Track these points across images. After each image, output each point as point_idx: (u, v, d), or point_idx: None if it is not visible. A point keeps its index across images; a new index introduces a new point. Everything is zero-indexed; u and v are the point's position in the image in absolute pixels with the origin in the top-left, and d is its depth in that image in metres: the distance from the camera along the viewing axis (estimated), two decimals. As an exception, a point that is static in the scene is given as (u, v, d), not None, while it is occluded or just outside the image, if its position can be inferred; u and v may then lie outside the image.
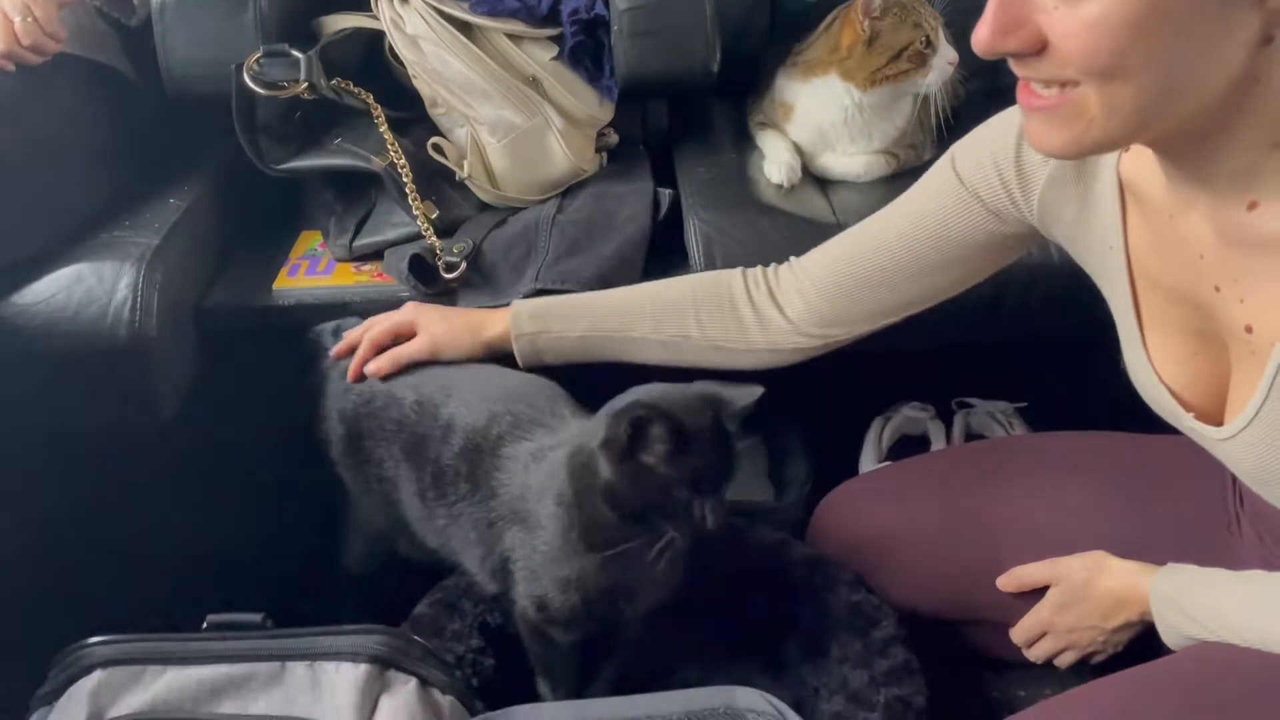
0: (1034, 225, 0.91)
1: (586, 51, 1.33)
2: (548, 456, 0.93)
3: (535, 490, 0.92)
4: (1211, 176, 0.73)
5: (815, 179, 1.34)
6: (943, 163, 0.95)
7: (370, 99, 1.27)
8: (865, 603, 1.03)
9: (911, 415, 1.40)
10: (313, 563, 1.17)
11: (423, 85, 1.27)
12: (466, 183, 1.27)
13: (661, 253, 1.25)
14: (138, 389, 1.12)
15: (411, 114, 1.31)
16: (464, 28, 1.26)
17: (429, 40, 1.24)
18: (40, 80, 1.19)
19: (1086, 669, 0.98)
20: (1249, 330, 0.75)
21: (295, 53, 1.22)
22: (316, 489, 1.15)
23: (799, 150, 1.34)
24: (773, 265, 1.07)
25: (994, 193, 0.91)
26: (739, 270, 1.06)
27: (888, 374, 1.36)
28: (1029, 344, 1.23)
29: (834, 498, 1.15)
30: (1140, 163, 0.80)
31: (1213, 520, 0.97)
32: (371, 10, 1.28)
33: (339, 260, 1.28)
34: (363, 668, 0.76)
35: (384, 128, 1.25)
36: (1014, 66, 0.70)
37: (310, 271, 1.27)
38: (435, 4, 1.25)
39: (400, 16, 1.25)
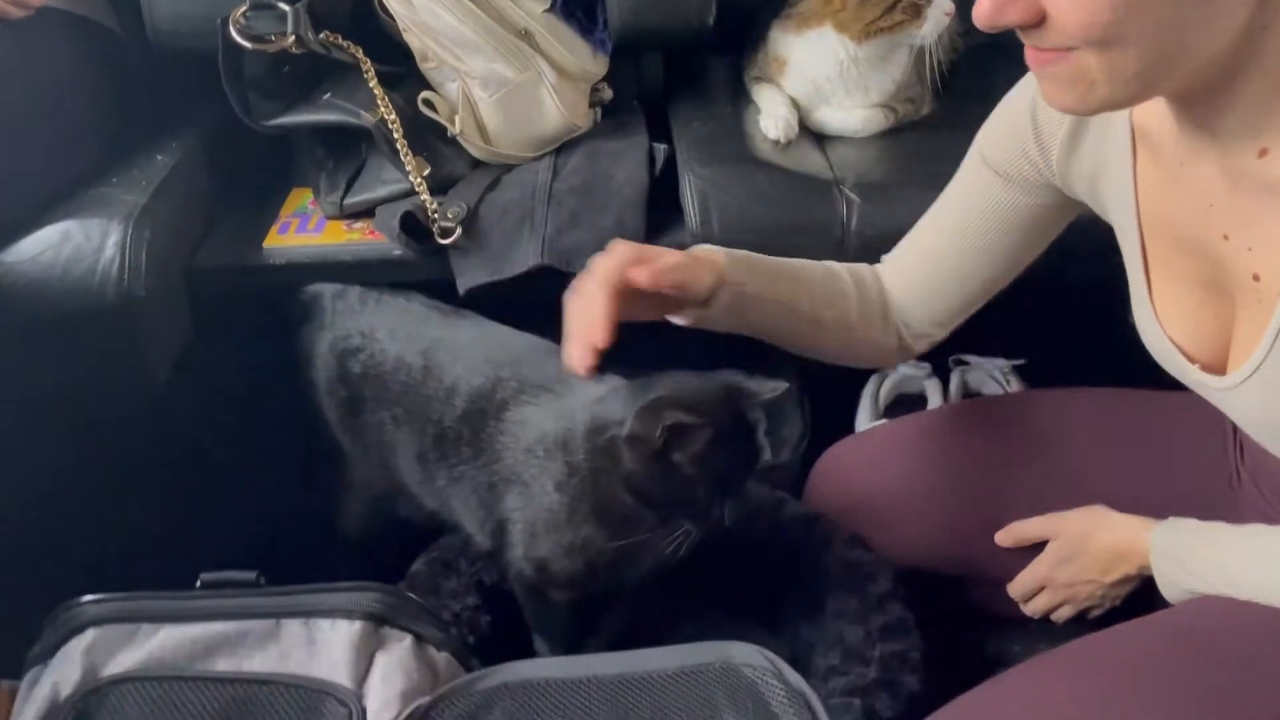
0: (1060, 188, 0.91)
1: (579, 4, 1.31)
2: (556, 424, 0.92)
3: (542, 456, 0.92)
4: (1222, 125, 0.73)
5: (812, 134, 1.33)
6: (972, 158, 0.95)
7: (359, 53, 1.25)
8: (861, 560, 1.03)
9: (908, 373, 1.39)
10: (309, 525, 1.17)
11: (413, 39, 1.24)
12: (458, 139, 1.25)
13: (657, 211, 1.24)
14: (129, 349, 1.11)
15: (402, 68, 1.28)
16: (454, -21, 1.24)
17: (419, -8, 1.22)
18: (24, 35, 1.16)
19: (1083, 624, 0.98)
20: (1256, 278, 0.75)
21: (282, 5, 1.20)
22: (312, 451, 1.14)
23: (795, 105, 1.32)
24: (877, 268, 1.03)
25: (1018, 164, 0.91)
26: (873, 272, 1.02)
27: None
28: (1026, 301, 1.22)
29: (830, 456, 1.15)
30: (1153, 111, 0.79)
31: (1213, 474, 0.96)
32: (360, -38, 1.26)
33: (330, 218, 1.26)
34: (358, 625, 0.76)
35: (374, 82, 1.23)
36: (1020, 35, 0.70)
37: (301, 230, 1.25)
38: (425, -45, 1.23)
39: (389, -32, 1.23)
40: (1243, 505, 0.93)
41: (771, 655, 0.71)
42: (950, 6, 1.25)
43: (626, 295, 0.84)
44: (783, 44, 1.32)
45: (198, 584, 0.78)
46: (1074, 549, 0.95)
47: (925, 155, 1.26)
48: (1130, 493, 0.95)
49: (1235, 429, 0.94)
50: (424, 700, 0.72)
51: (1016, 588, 1.01)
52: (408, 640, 0.77)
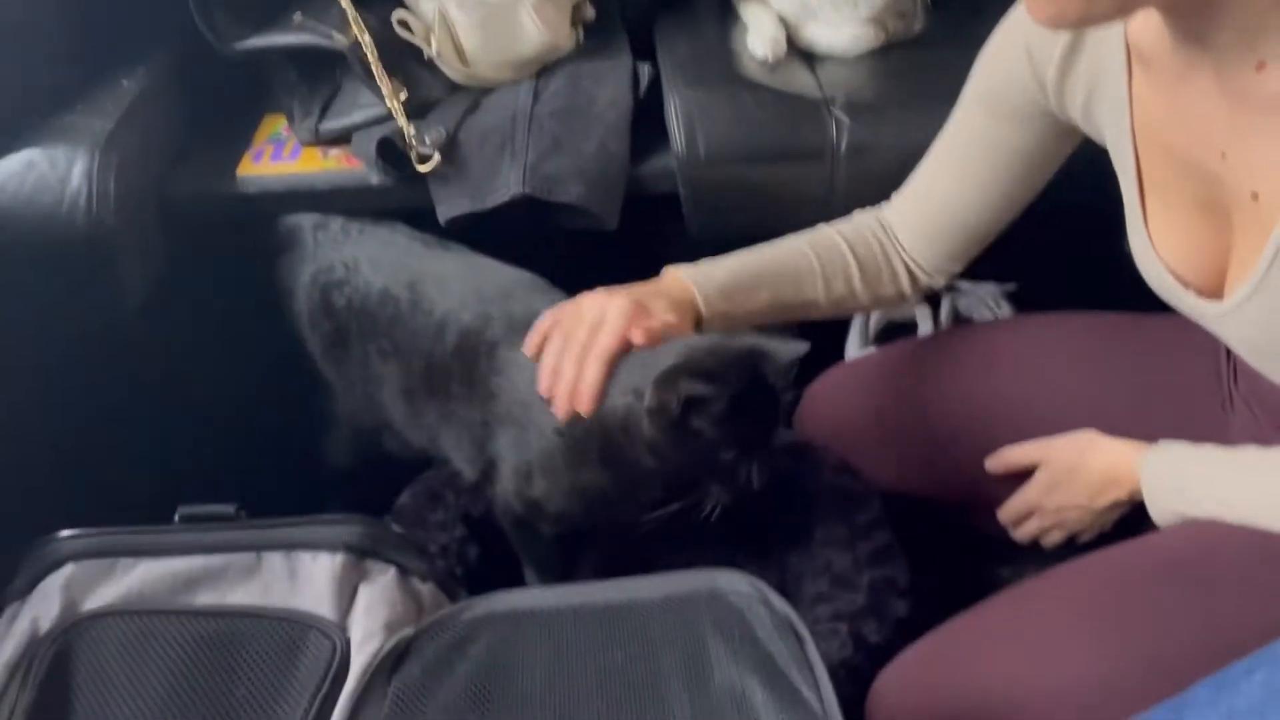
0: (1056, 114, 0.89)
1: (559, -83, 1.26)
2: None
3: (540, 400, 0.90)
4: (1217, 39, 0.70)
5: (801, 53, 1.29)
6: (967, 101, 0.94)
7: (330, -30, 1.20)
8: (850, 487, 1.03)
9: (898, 300, 1.38)
10: (291, 458, 1.16)
11: (385, -46, 1.20)
12: (435, 61, 1.21)
13: (642, 133, 1.20)
14: (100, 281, 1.09)
15: (375, -14, 1.24)
16: (428, -109, 1.19)
17: (391, -94, 1.17)
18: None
19: (1073, 549, 0.98)
20: (1255, 197, 0.73)
21: (248, -80, 1.15)
22: (294, 384, 1.13)
23: (784, 22, 1.28)
24: (884, 211, 1.03)
25: (1018, 104, 0.90)
26: (875, 220, 1.02)
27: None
28: (1018, 225, 1.21)
29: (820, 385, 1.14)
30: (1147, 25, 0.77)
31: (1205, 398, 0.96)
32: (328, -126, 1.20)
33: (305, 144, 1.22)
34: (339, 557, 0.75)
35: (346, 2, 1.18)
36: None
37: (275, 157, 1.22)
38: None
39: (360, -120, 1.17)
40: (1234, 429, 0.93)
41: (758, 582, 0.71)
42: (943, -83, 1.21)
43: None
44: (770, -42, 1.28)
45: (176, 518, 0.77)
46: (1064, 475, 0.95)
47: (917, 74, 1.23)
48: (1121, 417, 0.95)
49: (1229, 353, 0.93)
50: (408, 631, 0.71)
51: (1006, 513, 1.01)
52: (391, 572, 0.76)
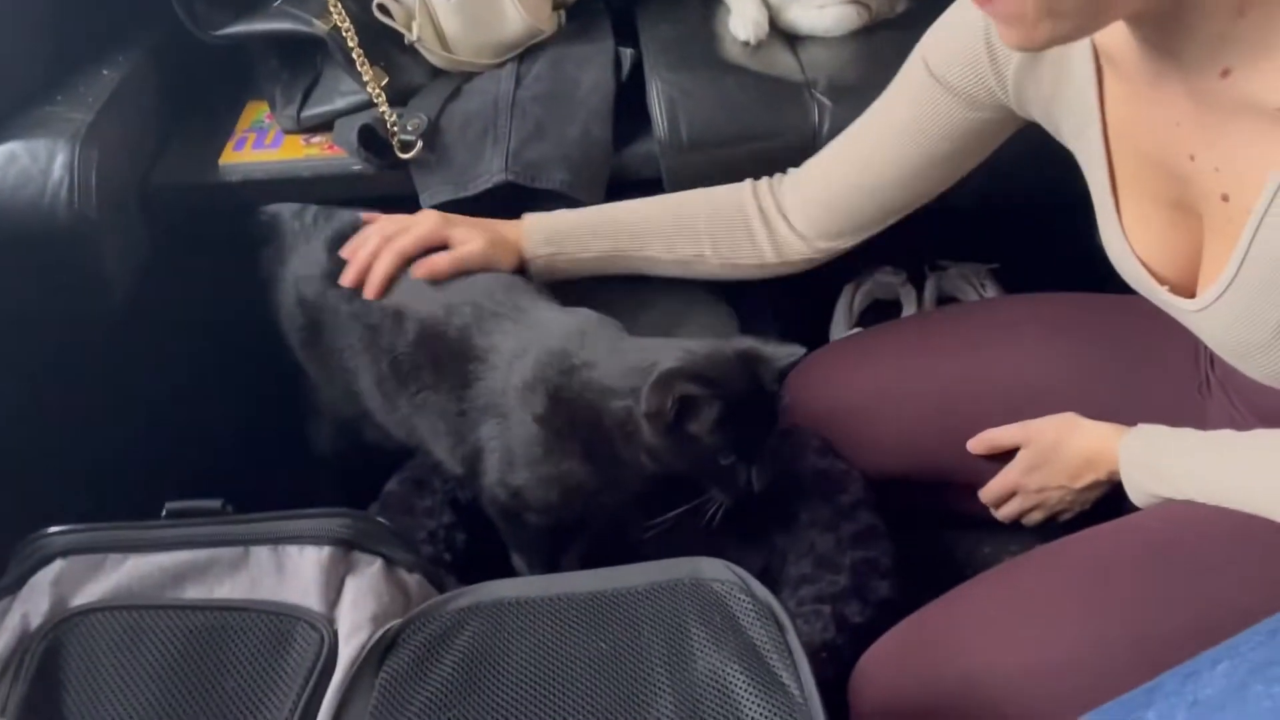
0: (1010, 107, 0.90)
1: (540, -101, 1.25)
2: (531, 354, 0.91)
3: (518, 389, 0.90)
4: (1182, 47, 0.71)
5: (784, 35, 1.28)
6: (914, 64, 0.94)
7: (309, -45, 1.19)
8: (833, 468, 1.04)
9: (883, 280, 1.38)
10: (277, 449, 1.16)
11: (364, -61, 1.19)
12: (417, 46, 1.20)
13: (624, 117, 1.20)
14: (84, 273, 1.08)
15: (354, -29, 1.23)
16: (406, -126, 1.18)
17: (369, -111, 1.16)
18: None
19: (1054, 528, 0.99)
20: (1225, 199, 0.74)
21: (226, -95, 1.14)
22: (278, 374, 1.13)
23: (766, 4, 1.27)
24: (777, 176, 1.06)
25: (969, 81, 0.90)
26: (748, 185, 1.05)
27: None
28: (1001, 205, 1.21)
29: (805, 365, 1.14)
30: (1115, 32, 0.77)
31: (1183, 381, 0.96)
32: None
33: (287, 132, 1.22)
34: (326, 550, 0.76)
35: (325, -12, 1.17)
36: None
37: (258, 145, 1.21)
38: None
39: None
40: (1212, 413, 0.94)
41: (739, 570, 0.72)
42: (926, -105, 1.20)
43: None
44: (752, -62, 1.27)
45: (163, 513, 0.77)
46: (1045, 455, 0.96)
47: (901, 56, 1.20)
48: (1101, 399, 0.95)
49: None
50: (395, 623, 0.72)
51: (988, 494, 1.02)
52: (378, 564, 0.77)
